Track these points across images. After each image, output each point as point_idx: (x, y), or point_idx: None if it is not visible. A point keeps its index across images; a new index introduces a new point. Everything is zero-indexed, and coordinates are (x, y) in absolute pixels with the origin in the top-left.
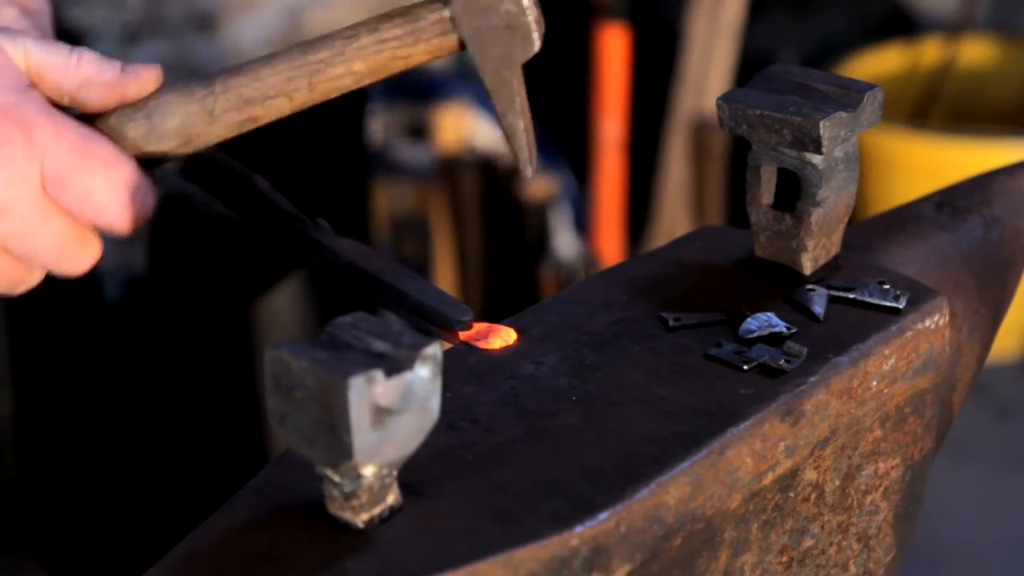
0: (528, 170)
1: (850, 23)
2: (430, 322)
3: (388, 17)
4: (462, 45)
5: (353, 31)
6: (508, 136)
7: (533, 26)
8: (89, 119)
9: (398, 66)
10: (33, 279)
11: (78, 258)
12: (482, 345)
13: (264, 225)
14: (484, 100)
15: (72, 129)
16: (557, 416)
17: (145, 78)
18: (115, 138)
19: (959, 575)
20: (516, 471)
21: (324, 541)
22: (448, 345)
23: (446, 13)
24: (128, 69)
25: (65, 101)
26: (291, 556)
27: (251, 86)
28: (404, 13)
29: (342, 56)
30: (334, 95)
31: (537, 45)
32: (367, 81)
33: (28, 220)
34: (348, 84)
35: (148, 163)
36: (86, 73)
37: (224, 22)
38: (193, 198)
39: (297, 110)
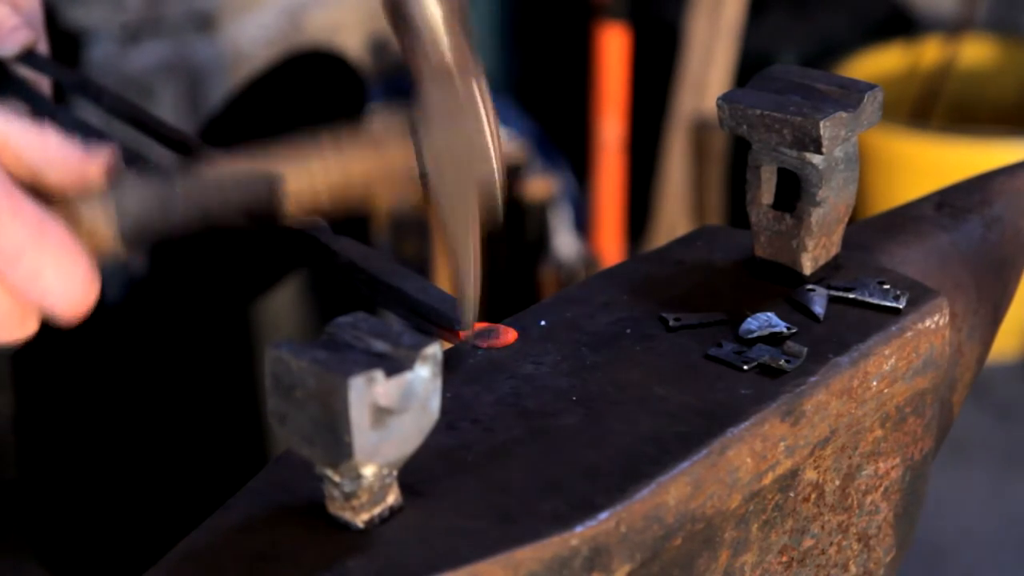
0: (465, 324)
1: (850, 23)
2: (430, 322)
3: (353, 132)
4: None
5: (315, 138)
6: (455, 278)
7: (500, 198)
8: (45, 199)
9: (357, 175)
10: None
11: (13, 333)
12: (482, 345)
13: (262, 224)
14: None
15: (30, 207)
16: (557, 416)
17: (106, 159)
18: (70, 222)
19: (959, 575)
20: (516, 471)
21: (324, 541)
22: (448, 345)
23: (405, 123)
24: (91, 149)
25: (24, 176)
26: (291, 556)
27: (212, 188)
28: (368, 127)
29: (301, 160)
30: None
31: (497, 180)
32: (324, 191)
33: None
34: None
35: (100, 251)
36: (49, 152)
37: (224, 22)
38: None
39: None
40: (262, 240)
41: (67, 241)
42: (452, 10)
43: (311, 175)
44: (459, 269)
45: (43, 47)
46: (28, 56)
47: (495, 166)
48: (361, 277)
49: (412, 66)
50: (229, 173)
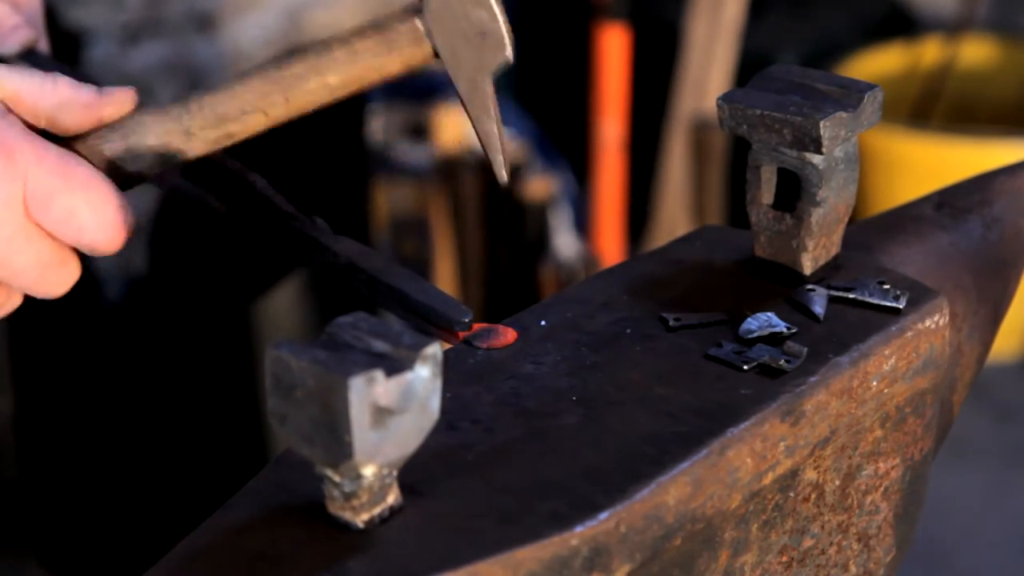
0: (503, 175)
1: (850, 23)
2: (430, 322)
3: (361, 30)
4: (436, 54)
5: (327, 45)
6: (482, 142)
7: (506, 33)
8: (66, 142)
9: (372, 77)
10: (12, 303)
11: (58, 280)
12: (482, 345)
13: (261, 225)
14: None
15: (52, 151)
16: (557, 416)
17: (121, 99)
18: (93, 159)
19: (959, 575)
20: (516, 471)
21: (324, 541)
22: (448, 345)
23: (418, 23)
24: (104, 91)
25: (42, 124)
26: (291, 556)
27: (226, 103)
28: (376, 25)
29: (316, 70)
30: (310, 109)
31: (510, 52)
32: (342, 94)
33: (10, 242)
34: (323, 97)
35: (126, 182)
36: (62, 96)
37: (224, 22)
38: (192, 197)
39: (273, 125)
40: (262, 240)
41: (93, 177)
42: None
43: (325, 83)
44: (485, 133)
45: (44, 46)
46: (29, 54)
47: (509, 51)
48: (361, 277)
49: None
50: (241, 95)
